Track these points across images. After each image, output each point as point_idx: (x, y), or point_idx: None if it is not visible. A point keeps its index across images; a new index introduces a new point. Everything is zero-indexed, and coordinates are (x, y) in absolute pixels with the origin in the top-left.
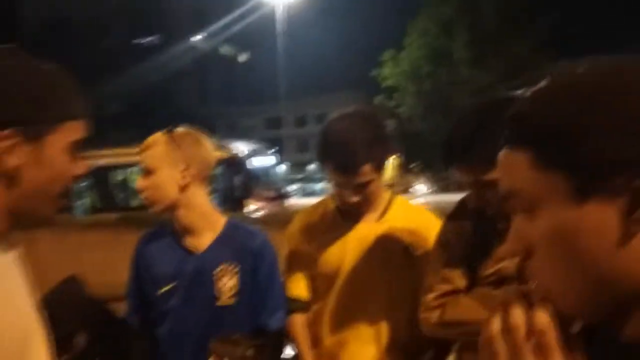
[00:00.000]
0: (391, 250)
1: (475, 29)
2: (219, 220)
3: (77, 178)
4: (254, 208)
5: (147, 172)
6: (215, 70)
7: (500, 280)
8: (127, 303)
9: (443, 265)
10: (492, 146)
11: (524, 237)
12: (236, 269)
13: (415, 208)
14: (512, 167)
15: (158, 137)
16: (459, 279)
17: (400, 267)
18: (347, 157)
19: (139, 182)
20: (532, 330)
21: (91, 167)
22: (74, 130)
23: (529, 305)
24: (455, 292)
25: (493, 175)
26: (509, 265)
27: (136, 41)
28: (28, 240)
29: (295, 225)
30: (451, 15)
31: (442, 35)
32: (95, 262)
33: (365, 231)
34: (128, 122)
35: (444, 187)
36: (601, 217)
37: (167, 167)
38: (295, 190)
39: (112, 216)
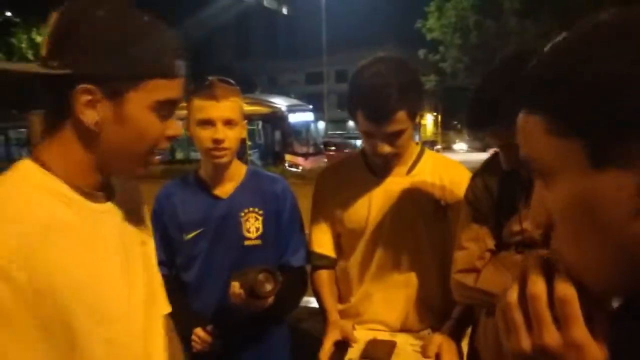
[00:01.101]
0: (420, 205)
1: None
2: (242, 169)
3: (171, 139)
4: (293, 163)
5: (230, 124)
6: (257, 25)
7: (525, 243)
8: None
9: (472, 222)
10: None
11: (545, 207)
12: (261, 212)
13: (446, 161)
14: (528, 133)
15: (230, 89)
16: (488, 238)
17: (430, 221)
18: (380, 103)
19: (224, 131)
20: (553, 300)
21: None
22: (161, 89)
23: (550, 274)
24: (487, 252)
25: None
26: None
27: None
28: None
29: (321, 180)
30: None
31: None
32: None
33: (394, 185)
34: None
35: (486, 145)
36: (618, 185)
37: (241, 120)
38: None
39: (158, 168)
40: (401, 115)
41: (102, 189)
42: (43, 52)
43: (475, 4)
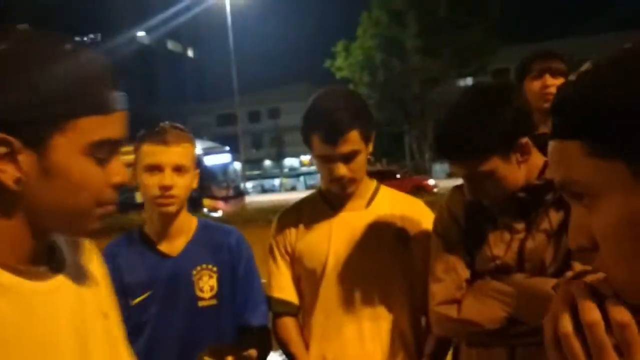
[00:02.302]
0: (382, 238)
1: (425, 17)
2: (192, 222)
3: (119, 186)
4: (212, 207)
5: (180, 170)
6: (162, 68)
7: (498, 269)
8: None
9: (444, 253)
10: (485, 136)
11: (586, 230)
12: (215, 268)
13: (403, 196)
14: (566, 159)
15: (181, 135)
16: (462, 268)
17: (393, 255)
18: (333, 123)
19: (172, 178)
20: (609, 326)
21: None
22: (94, 128)
23: (598, 299)
24: (464, 281)
25: (488, 165)
26: (504, 254)
27: (77, 39)
28: None
29: (277, 223)
30: (402, 5)
31: (394, 25)
32: None
33: (353, 219)
34: None
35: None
36: None
37: (192, 168)
38: (252, 187)
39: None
40: (354, 135)
41: (45, 258)
42: None
43: (380, 43)
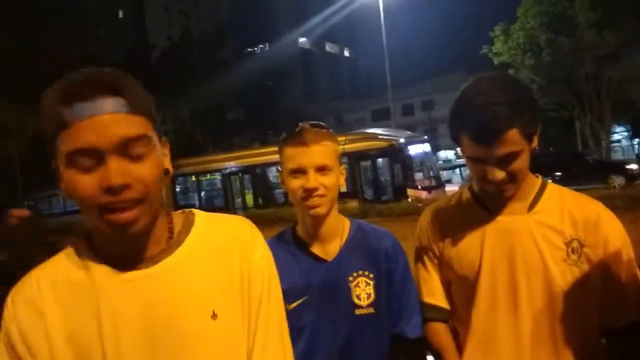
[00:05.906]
0: (548, 247)
1: None
2: (345, 223)
3: (114, 190)
4: (416, 198)
5: (324, 170)
6: (321, 69)
7: None
8: None
9: None
10: None
11: None
12: (371, 275)
13: (575, 195)
14: None
15: (321, 133)
16: None
17: (562, 266)
18: (487, 120)
19: (317, 179)
20: None
21: (241, 166)
22: (65, 141)
23: None
24: None
25: None
26: None
27: (248, 50)
28: None
29: (424, 220)
30: None
31: None
32: None
33: (512, 224)
34: (246, 125)
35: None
36: None
37: (337, 166)
38: None
39: (269, 211)
40: (513, 134)
41: (145, 253)
42: None
43: (544, 22)
